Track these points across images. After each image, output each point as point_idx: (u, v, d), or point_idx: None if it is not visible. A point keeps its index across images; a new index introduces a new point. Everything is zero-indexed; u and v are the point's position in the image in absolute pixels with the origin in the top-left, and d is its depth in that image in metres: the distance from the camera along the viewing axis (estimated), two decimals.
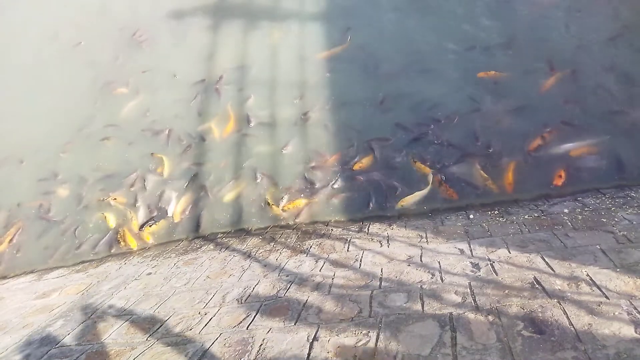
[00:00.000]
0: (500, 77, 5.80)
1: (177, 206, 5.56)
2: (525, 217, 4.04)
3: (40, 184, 6.32)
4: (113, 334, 3.34)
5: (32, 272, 5.56)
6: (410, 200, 4.82)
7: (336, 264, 3.82)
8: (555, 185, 4.56)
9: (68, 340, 3.42)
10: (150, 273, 4.45)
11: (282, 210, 5.17)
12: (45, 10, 9.13)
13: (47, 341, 3.48)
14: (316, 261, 3.96)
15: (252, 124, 6.13)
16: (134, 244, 5.32)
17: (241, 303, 3.42)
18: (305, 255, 4.14)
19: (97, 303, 3.99)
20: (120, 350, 3.06)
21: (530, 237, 3.61)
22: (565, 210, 4.00)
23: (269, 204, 5.25)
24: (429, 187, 4.88)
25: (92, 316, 3.75)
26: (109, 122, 6.77)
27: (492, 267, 3.22)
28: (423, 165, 5.05)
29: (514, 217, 4.08)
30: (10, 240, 5.82)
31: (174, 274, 4.29)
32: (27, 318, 4.07)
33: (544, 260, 3.18)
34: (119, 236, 5.46)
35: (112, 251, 5.35)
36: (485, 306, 2.74)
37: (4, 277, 5.62)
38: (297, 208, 5.15)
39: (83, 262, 5.33)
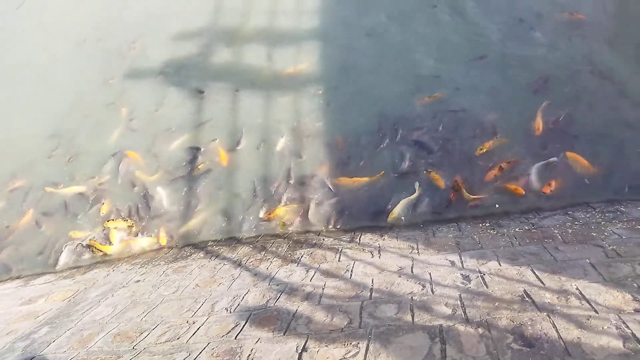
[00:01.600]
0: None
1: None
2: (516, 229, 4.06)
3: None
4: (99, 341, 3.29)
5: (18, 277, 5.49)
6: (398, 209, 4.83)
7: (327, 274, 3.80)
8: (543, 192, 4.58)
9: (53, 347, 3.36)
10: (138, 280, 4.40)
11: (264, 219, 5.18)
12: None
13: (32, 349, 3.42)
14: (307, 271, 3.94)
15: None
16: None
17: (230, 312, 3.39)
18: (296, 264, 4.12)
19: (84, 310, 3.94)
20: (105, 359, 3.01)
21: (521, 249, 3.62)
22: (556, 224, 4.02)
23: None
24: (416, 194, 4.91)
25: (78, 323, 3.69)
26: None
27: (483, 279, 3.22)
28: (437, 175, 5.02)
29: (505, 230, 4.10)
30: None
31: (163, 281, 4.24)
32: (12, 324, 4.00)
33: (534, 273, 3.18)
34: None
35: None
36: (476, 318, 2.73)
37: None
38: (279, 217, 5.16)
39: (71, 268, 5.27)
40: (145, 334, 3.26)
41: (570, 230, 3.82)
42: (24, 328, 3.86)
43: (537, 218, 4.27)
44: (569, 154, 4.85)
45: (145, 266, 4.77)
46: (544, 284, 3.01)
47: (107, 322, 3.60)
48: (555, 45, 6.16)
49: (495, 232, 4.08)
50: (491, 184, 4.83)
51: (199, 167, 5.81)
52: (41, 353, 3.32)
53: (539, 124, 5.16)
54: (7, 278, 5.54)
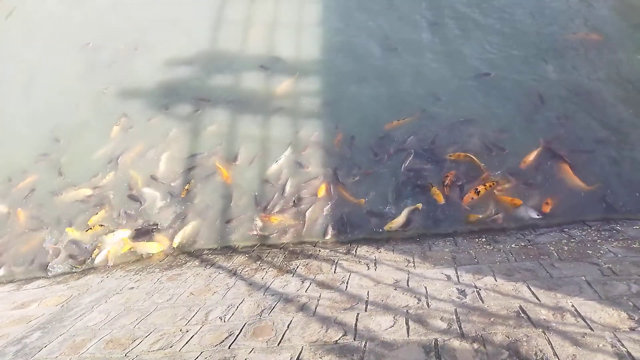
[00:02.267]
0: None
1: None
2: (512, 245, 4.07)
3: None
4: (91, 348, 3.26)
5: (11, 281, 5.44)
6: (398, 222, 4.84)
7: (322, 285, 3.78)
8: (543, 212, 4.60)
9: (44, 353, 3.33)
10: (132, 287, 4.37)
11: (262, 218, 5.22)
12: None
13: (23, 353, 3.39)
14: (302, 281, 3.92)
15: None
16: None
17: (224, 321, 3.36)
18: (292, 275, 4.10)
19: (77, 316, 3.90)
20: None
21: (517, 265, 3.62)
22: (552, 241, 4.02)
23: None
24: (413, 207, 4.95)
25: (70, 329, 3.65)
26: None
27: (479, 294, 3.22)
28: (438, 191, 5.03)
29: (501, 246, 4.10)
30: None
31: (157, 289, 4.21)
32: (3, 329, 3.96)
33: (529, 289, 3.18)
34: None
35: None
36: (471, 333, 2.73)
37: None
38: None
39: (64, 273, 5.23)
40: (138, 342, 3.24)
41: (566, 248, 3.83)
42: (16, 332, 3.83)
43: (533, 235, 4.28)
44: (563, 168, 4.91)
45: (140, 273, 4.74)
46: (539, 301, 3.01)
47: (100, 329, 3.56)
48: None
49: (491, 248, 4.09)
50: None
51: (190, 184, 5.82)
52: (32, 358, 3.28)
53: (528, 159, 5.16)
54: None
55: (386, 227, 4.85)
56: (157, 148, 6.37)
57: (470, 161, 5.20)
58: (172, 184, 5.87)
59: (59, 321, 3.88)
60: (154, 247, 5.24)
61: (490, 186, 4.90)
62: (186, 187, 5.77)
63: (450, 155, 5.33)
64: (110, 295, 4.26)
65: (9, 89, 8.12)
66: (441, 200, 4.94)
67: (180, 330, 3.32)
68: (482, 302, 3.10)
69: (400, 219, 4.87)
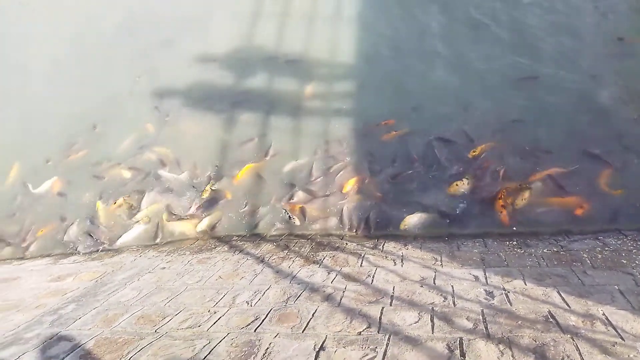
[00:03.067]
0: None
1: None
2: (544, 250, 3.99)
3: None
4: (123, 322, 3.39)
5: (48, 255, 5.68)
6: (410, 220, 4.87)
7: (348, 277, 3.81)
8: (576, 215, 4.49)
9: (78, 324, 3.48)
10: (164, 267, 4.51)
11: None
12: None
13: (58, 323, 3.54)
14: (328, 273, 3.96)
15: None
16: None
17: (251, 306, 3.44)
18: (318, 265, 4.15)
19: (110, 291, 4.06)
20: (128, 339, 3.10)
21: (548, 271, 3.56)
22: (585, 248, 3.94)
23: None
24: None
25: (103, 303, 3.80)
26: None
27: (507, 296, 3.18)
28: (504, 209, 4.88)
29: (533, 250, 4.03)
30: None
31: (187, 270, 4.34)
32: (41, 299, 4.15)
33: (560, 295, 3.13)
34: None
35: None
36: (497, 335, 2.71)
37: (22, 258, 5.76)
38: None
39: (99, 251, 5.43)
40: (167, 319, 3.35)
41: (599, 256, 3.74)
42: (52, 303, 4.00)
43: (567, 241, 4.19)
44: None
45: (171, 254, 4.88)
46: (569, 307, 2.96)
47: (132, 305, 3.70)
48: None
49: (522, 251, 4.03)
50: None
51: (208, 187, 5.91)
52: (67, 328, 3.43)
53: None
54: (37, 255, 5.76)
55: (401, 226, 4.88)
56: (191, 138, 6.52)
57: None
58: (198, 173, 6.04)
59: (93, 295, 4.04)
60: (187, 226, 5.40)
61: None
62: (210, 184, 5.91)
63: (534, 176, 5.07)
64: (142, 273, 4.41)
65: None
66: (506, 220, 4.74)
67: (209, 311, 3.41)
68: (510, 304, 3.07)
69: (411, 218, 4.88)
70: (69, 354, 3.00)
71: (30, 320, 3.69)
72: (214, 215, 5.53)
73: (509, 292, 3.25)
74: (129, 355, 2.87)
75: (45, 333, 3.39)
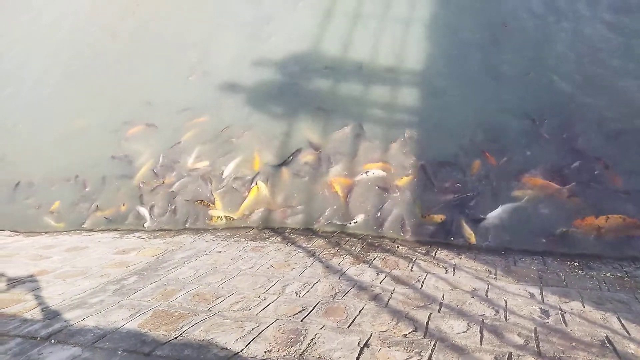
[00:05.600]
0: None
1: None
2: (607, 274, 3.79)
3: None
4: (179, 298, 3.58)
5: (115, 230, 6.08)
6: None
7: (397, 280, 3.81)
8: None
9: (139, 295, 3.71)
10: (220, 251, 4.70)
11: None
12: None
13: (121, 292, 3.80)
14: (377, 273, 3.97)
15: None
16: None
17: (299, 296, 3.52)
18: (368, 265, 4.17)
19: (169, 268, 4.29)
20: (183, 314, 3.27)
21: (609, 295, 3.38)
22: None
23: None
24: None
25: (163, 278, 4.03)
26: None
27: (563, 317, 3.06)
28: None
29: (595, 273, 3.84)
30: None
31: (241, 256, 4.50)
32: (106, 269, 4.46)
33: (619, 321, 2.97)
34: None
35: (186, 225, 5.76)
36: (549, 354, 2.62)
37: (91, 230, 6.20)
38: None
39: (162, 230, 5.74)
40: (220, 300, 3.50)
41: None
42: (116, 274, 4.29)
43: (633, 267, 3.96)
44: None
45: (227, 240, 5.08)
46: (629, 334, 2.80)
47: (189, 282, 3.90)
48: None
49: (583, 273, 3.84)
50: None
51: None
52: (128, 298, 3.67)
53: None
54: (105, 229, 6.17)
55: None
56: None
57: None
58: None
59: (154, 270, 4.29)
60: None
61: None
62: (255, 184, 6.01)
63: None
64: (200, 254, 4.63)
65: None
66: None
67: (259, 296, 3.53)
68: (566, 325, 2.95)
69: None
70: (128, 322, 3.20)
71: (95, 287, 3.98)
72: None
73: (565, 312, 3.12)
74: (183, 329, 3.03)
75: (109, 300, 3.64)
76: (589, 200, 4.76)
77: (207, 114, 7.20)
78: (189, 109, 7.37)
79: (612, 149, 5.14)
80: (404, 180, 5.44)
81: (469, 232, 4.77)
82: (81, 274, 4.37)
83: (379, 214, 5.24)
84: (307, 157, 6.08)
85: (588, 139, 5.32)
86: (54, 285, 4.09)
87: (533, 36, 6.74)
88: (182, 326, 3.08)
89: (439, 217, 5.00)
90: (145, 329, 3.07)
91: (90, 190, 6.78)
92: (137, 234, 5.73)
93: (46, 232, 6.34)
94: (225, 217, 5.71)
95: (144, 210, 6.19)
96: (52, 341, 2.99)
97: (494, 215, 4.84)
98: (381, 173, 5.60)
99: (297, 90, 7.11)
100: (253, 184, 5.94)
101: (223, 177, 6.18)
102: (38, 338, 3.04)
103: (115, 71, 8.81)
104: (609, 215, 4.51)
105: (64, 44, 9.86)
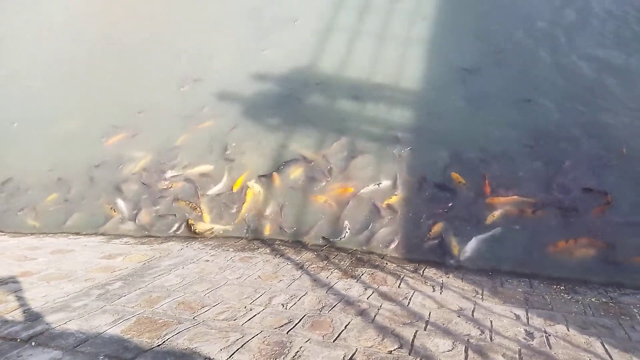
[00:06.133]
0: None
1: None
2: (592, 299, 3.83)
3: None
4: (164, 305, 3.54)
5: (102, 234, 6.02)
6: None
7: (385, 296, 3.81)
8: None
9: (123, 300, 3.66)
10: (207, 260, 4.67)
11: None
12: None
13: (105, 297, 3.74)
14: (365, 289, 3.97)
15: None
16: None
17: (286, 309, 3.50)
18: (356, 280, 4.17)
19: (156, 275, 4.25)
20: (168, 322, 3.23)
21: (594, 320, 3.41)
22: (637, 303, 3.74)
23: None
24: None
25: (148, 285, 3.99)
26: None
27: (547, 339, 3.08)
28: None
29: (580, 297, 3.87)
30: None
31: (229, 266, 4.47)
32: (91, 273, 4.40)
33: (603, 346, 2.99)
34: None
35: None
36: None
37: (78, 233, 6.12)
38: None
39: (150, 236, 5.70)
40: (206, 309, 3.47)
41: None
42: (101, 278, 4.24)
43: (617, 293, 4.00)
44: None
45: (216, 249, 5.05)
46: (612, 359, 2.82)
47: (174, 290, 3.86)
48: None
49: (569, 297, 3.88)
50: None
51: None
52: (112, 303, 3.62)
53: None
54: (92, 233, 6.10)
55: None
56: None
57: None
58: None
59: (140, 276, 4.24)
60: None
61: None
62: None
63: None
64: (187, 263, 4.59)
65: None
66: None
67: (245, 307, 3.51)
68: (550, 348, 2.96)
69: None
70: (111, 327, 3.16)
71: (79, 291, 3.92)
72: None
73: (550, 335, 3.14)
74: (167, 337, 3.00)
75: (92, 305, 3.58)
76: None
77: (199, 124, 7.21)
78: (182, 117, 7.39)
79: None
80: (393, 199, 5.48)
81: (456, 247, 4.85)
82: (66, 277, 4.31)
83: (368, 229, 5.26)
84: (298, 169, 6.10)
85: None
86: (37, 287, 4.03)
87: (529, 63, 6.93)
88: (166, 334, 3.04)
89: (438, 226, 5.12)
90: (128, 335, 3.03)
91: (75, 192, 6.71)
92: (125, 239, 5.68)
93: (32, 234, 6.25)
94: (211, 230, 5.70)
95: (121, 203, 6.25)
96: (33, 343, 2.94)
97: (471, 247, 4.89)
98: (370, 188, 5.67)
99: (291, 104, 7.19)
100: (245, 190, 5.99)
101: (212, 190, 6.19)
102: (18, 340, 2.98)
103: (107, 76, 8.82)
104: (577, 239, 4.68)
105: (58, 47, 9.84)
